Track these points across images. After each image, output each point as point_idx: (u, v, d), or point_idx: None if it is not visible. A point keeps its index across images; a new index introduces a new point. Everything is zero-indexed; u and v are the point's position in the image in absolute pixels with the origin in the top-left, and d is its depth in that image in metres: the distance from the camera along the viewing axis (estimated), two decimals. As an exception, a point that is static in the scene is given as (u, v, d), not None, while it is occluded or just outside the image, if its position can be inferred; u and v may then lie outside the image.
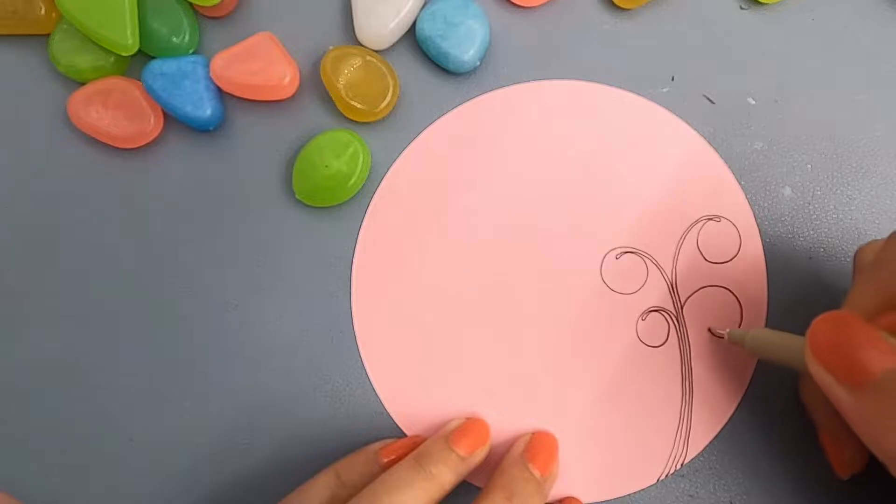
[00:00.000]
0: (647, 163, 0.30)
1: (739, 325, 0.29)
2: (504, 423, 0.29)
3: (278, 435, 0.30)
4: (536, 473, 0.26)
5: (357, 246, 0.30)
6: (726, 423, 0.29)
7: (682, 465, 0.28)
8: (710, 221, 0.29)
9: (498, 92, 0.30)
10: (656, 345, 0.29)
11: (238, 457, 0.30)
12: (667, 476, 0.28)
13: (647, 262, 0.29)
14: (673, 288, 0.29)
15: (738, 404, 0.29)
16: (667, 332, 0.29)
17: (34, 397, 0.30)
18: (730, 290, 0.29)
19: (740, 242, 0.29)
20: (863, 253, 0.25)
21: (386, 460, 0.27)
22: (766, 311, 0.29)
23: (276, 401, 0.30)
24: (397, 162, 0.30)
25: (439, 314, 0.30)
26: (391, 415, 0.29)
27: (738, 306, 0.29)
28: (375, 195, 0.30)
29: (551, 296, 0.29)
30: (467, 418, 0.28)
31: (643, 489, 0.29)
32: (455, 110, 0.30)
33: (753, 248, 0.29)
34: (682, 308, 0.29)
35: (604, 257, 0.29)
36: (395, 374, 0.30)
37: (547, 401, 0.29)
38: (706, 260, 0.29)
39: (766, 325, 0.29)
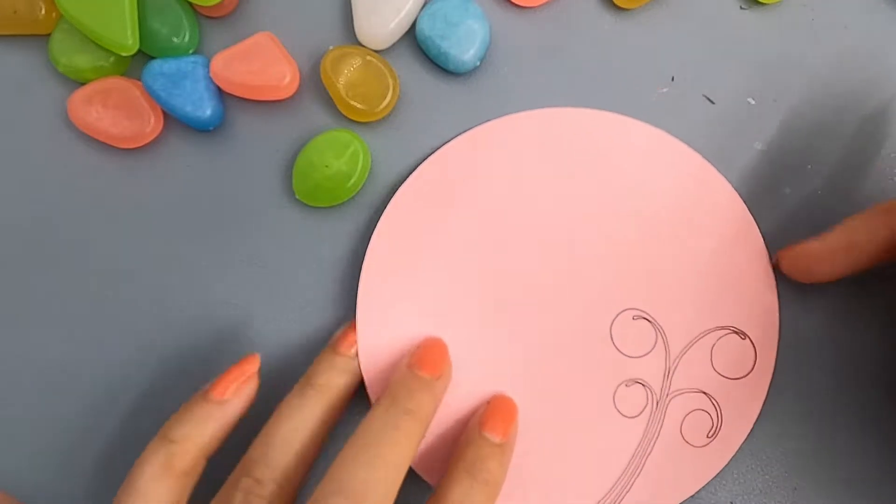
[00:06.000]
0: (673, 204, 0.29)
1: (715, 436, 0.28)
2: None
3: (278, 435, 0.30)
4: (496, 439, 0.26)
5: (365, 261, 0.30)
6: None
7: None
8: (735, 336, 0.28)
9: (523, 115, 0.30)
10: (626, 413, 0.29)
11: (238, 457, 0.30)
12: None
13: (659, 336, 0.29)
14: (668, 375, 0.29)
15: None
16: (641, 409, 0.29)
17: (34, 397, 0.30)
18: (716, 403, 0.28)
19: (755, 360, 0.28)
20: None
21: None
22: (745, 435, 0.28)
23: (276, 401, 0.30)
24: (409, 179, 0.30)
25: (442, 333, 0.29)
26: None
27: (718, 419, 0.28)
28: (383, 217, 0.30)
29: (554, 333, 0.29)
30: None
31: None
32: (470, 132, 0.30)
33: (767, 363, 0.28)
34: (667, 397, 0.28)
35: (621, 312, 0.29)
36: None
37: (521, 434, 0.29)
38: (714, 369, 0.28)
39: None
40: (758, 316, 0.29)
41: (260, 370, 0.27)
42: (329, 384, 0.27)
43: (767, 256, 0.29)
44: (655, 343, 0.29)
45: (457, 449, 0.26)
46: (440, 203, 0.30)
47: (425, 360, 0.27)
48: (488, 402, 0.28)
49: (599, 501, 0.28)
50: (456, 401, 0.29)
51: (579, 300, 0.29)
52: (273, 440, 0.25)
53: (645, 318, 0.29)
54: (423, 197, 0.30)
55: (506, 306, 0.29)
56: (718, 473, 0.28)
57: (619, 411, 0.29)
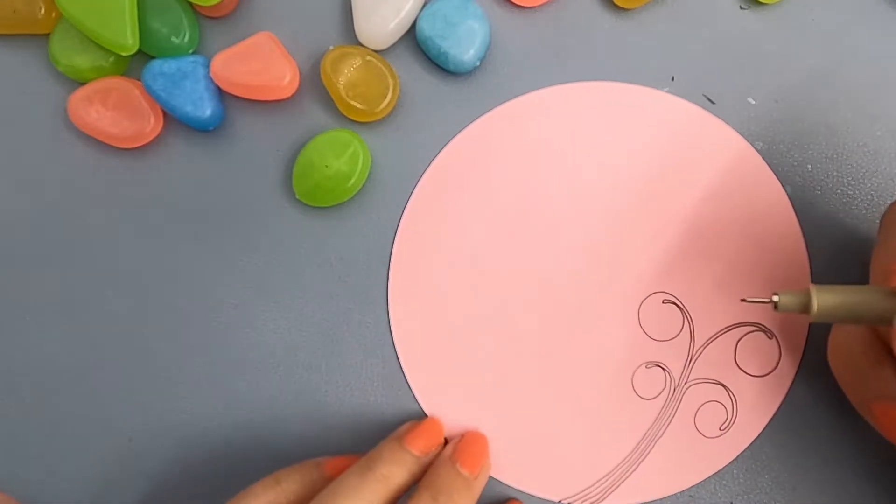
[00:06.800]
0: (704, 182, 0.29)
1: (729, 425, 0.28)
2: (522, 425, 0.29)
3: (278, 435, 0.30)
4: (465, 472, 0.26)
5: (393, 254, 0.30)
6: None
7: None
8: (762, 333, 0.28)
9: (540, 92, 0.30)
10: (642, 395, 0.29)
11: (238, 457, 0.30)
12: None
13: (687, 323, 0.29)
14: (690, 362, 0.29)
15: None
16: (658, 392, 0.29)
17: (34, 397, 0.30)
18: (733, 397, 0.28)
19: (779, 360, 0.28)
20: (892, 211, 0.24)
21: (329, 473, 0.27)
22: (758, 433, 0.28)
23: (276, 401, 0.30)
24: (428, 170, 0.30)
25: (471, 325, 0.29)
26: (392, 416, 0.30)
27: (733, 413, 0.28)
28: (407, 207, 0.30)
29: (581, 308, 0.29)
30: (424, 419, 0.29)
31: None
32: (490, 113, 0.30)
33: (791, 365, 0.28)
34: (686, 384, 0.29)
35: (651, 294, 0.29)
36: (424, 382, 0.30)
37: (538, 403, 0.29)
38: (736, 363, 0.28)
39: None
40: (788, 318, 0.28)
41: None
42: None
43: (807, 258, 0.29)
44: (682, 329, 0.29)
45: (426, 475, 0.26)
46: (462, 191, 0.30)
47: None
48: (461, 437, 0.28)
49: (603, 477, 0.28)
50: (479, 366, 0.29)
51: (609, 278, 0.29)
52: None
53: (675, 303, 0.29)
54: (443, 187, 0.30)
55: (534, 281, 0.29)
56: (718, 473, 0.28)
57: (635, 392, 0.29)
